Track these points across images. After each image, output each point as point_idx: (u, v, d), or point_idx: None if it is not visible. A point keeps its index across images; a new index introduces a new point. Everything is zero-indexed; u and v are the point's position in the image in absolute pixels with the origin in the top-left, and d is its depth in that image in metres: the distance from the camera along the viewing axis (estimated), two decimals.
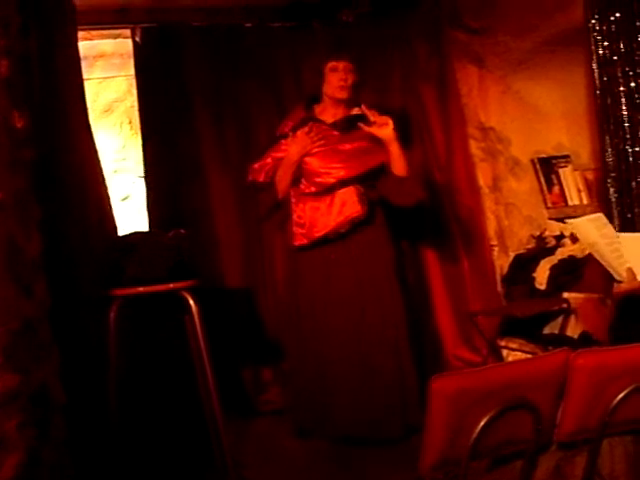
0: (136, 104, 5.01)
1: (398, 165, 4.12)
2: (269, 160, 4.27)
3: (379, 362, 4.04)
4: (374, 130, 4.11)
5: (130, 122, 5.47)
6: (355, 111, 4.24)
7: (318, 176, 4.12)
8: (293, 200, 4.20)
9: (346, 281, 4.08)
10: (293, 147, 4.15)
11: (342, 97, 4.19)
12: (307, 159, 4.15)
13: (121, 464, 3.37)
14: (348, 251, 4.10)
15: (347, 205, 4.07)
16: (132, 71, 4.97)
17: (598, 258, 2.26)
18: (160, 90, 4.95)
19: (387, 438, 3.92)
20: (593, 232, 2.37)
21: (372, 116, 4.11)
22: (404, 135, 5.25)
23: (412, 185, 4.15)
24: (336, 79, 4.16)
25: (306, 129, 4.18)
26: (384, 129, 4.10)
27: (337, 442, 4.03)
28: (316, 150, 4.14)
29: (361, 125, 4.15)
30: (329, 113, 4.25)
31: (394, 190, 4.12)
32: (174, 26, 5.01)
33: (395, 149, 4.11)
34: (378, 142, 4.15)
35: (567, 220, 3.01)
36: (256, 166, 4.30)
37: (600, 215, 2.49)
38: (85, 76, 3.94)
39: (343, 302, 4.07)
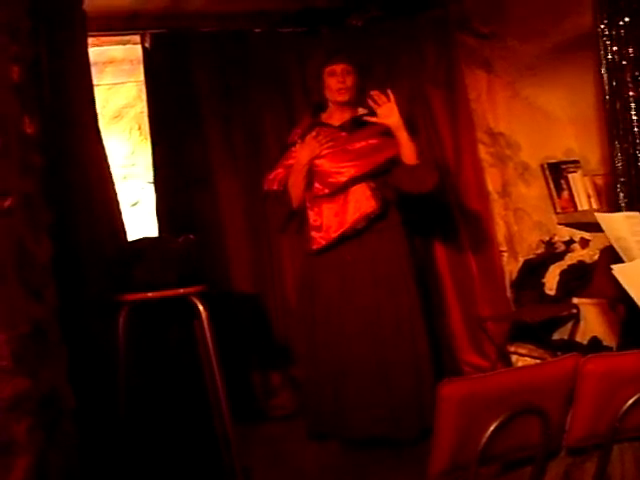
0: (145, 110, 5.02)
1: (408, 153, 4.11)
2: (281, 169, 4.29)
3: (395, 363, 4.04)
4: (380, 119, 4.10)
5: (139, 128, 5.49)
6: (361, 111, 4.25)
7: (330, 177, 4.13)
8: (308, 205, 4.21)
9: (362, 282, 4.09)
10: (302, 152, 4.16)
11: (343, 100, 4.20)
12: (318, 162, 4.16)
13: (130, 468, 3.37)
14: (364, 252, 4.10)
15: (361, 202, 4.08)
16: (142, 77, 4.99)
17: (621, 254, 2.24)
18: (169, 96, 4.97)
19: (403, 439, 3.92)
20: (624, 228, 2.35)
21: (376, 105, 4.10)
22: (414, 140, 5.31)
23: (424, 172, 4.13)
24: (334, 82, 4.17)
25: (313, 133, 4.19)
26: (390, 117, 4.09)
27: (352, 445, 4.02)
28: (326, 152, 4.15)
29: (367, 118, 4.15)
30: (336, 117, 4.26)
31: (406, 179, 4.11)
32: (183, 32, 5.03)
33: (403, 136, 4.10)
34: (387, 136, 4.15)
35: (597, 214, 2.98)
36: (270, 176, 4.32)
37: (637, 214, 2.47)
38: (95, 82, 3.95)
39: (359, 303, 4.08)
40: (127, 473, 3.35)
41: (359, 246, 4.12)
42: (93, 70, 3.90)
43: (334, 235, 4.09)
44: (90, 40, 4.01)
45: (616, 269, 2.09)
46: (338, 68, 4.17)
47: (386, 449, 3.93)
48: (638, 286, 2.02)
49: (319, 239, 4.13)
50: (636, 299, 1.99)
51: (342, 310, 4.09)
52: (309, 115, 4.39)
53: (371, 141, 4.18)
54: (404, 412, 3.98)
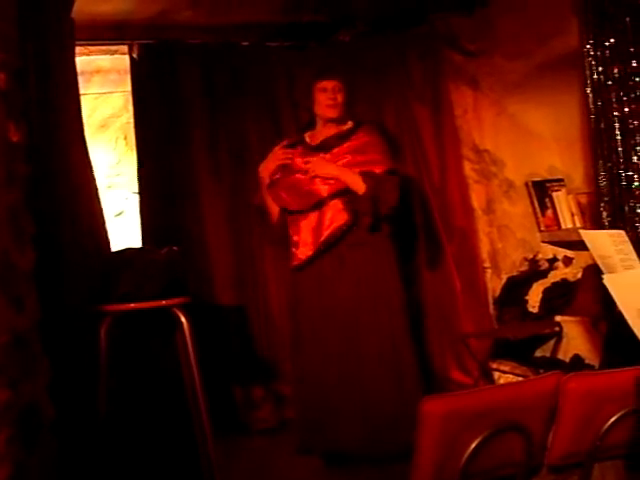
0: (132, 120, 5.01)
1: (355, 188, 4.09)
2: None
3: (377, 380, 4.02)
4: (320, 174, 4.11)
5: (125, 138, 5.47)
6: (343, 127, 4.23)
7: (305, 196, 4.14)
8: (289, 221, 4.21)
9: (343, 298, 4.07)
10: (265, 164, 4.17)
11: (333, 116, 4.19)
12: (292, 180, 4.16)
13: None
14: (346, 267, 4.09)
15: (334, 216, 4.09)
16: (129, 87, 4.99)
17: (605, 272, 2.25)
18: (156, 107, 4.97)
19: (385, 456, 3.90)
20: (609, 246, 2.36)
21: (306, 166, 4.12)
22: (399, 153, 5.33)
23: (375, 200, 4.09)
24: (325, 98, 4.16)
25: (284, 142, 4.21)
26: (323, 169, 4.11)
27: (335, 460, 4.01)
28: (301, 170, 4.15)
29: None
30: (320, 134, 4.25)
31: (363, 204, 4.12)
32: (171, 43, 5.03)
33: (344, 178, 4.09)
34: (363, 153, 4.15)
35: (581, 230, 2.99)
36: (259, 191, 4.32)
37: (622, 232, 2.48)
38: (82, 91, 3.94)
39: (340, 319, 4.06)
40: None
41: (341, 261, 4.11)
42: (80, 79, 3.89)
43: (310, 253, 4.09)
44: (78, 49, 4.02)
45: (607, 278, 2.09)
46: (329, 84, 4.17)
47: (368, 465, 3.91)
48: (627, 297, 2.02)
49: (298, 255, 4.13)
50: (623, 310, 1.99)
51: (324, 326, 4.07)
52: (295, 132, 4.39)
53: (345, 158, 4.17)
54: (386, 429, 3.97)
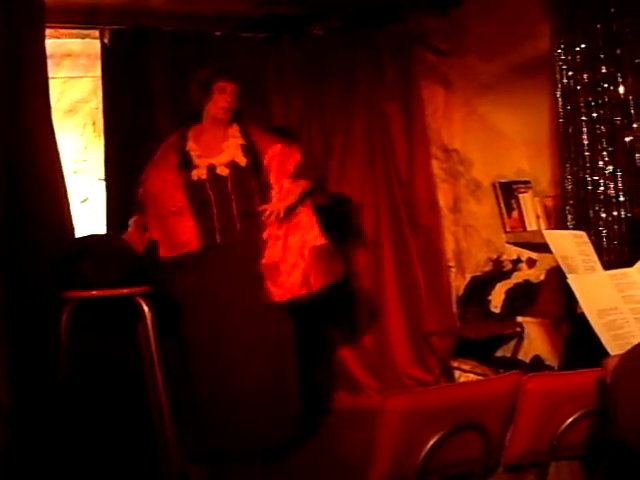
0: (101, 106, 4.96)
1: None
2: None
3: (260, 378, 4.00)
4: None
5: (94, 124, 5.41)
6: (232, 132, 4.16)
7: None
8: None
9: (217, 304, 4.02)
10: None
11: (225, 118, 4.14)
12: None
13: (65, 468, 3.32)
14: (224, 270, 4.04)
15: None
16: (99, 72, 4.93)
17: (567, 273, 2.26)
18: (126, 93, 4.91)
19: (272, 452, 3.91)
20: (572, 246, 2.37)
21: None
22: (368, 151, 5.34)
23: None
24: (222, 100, 4.10)
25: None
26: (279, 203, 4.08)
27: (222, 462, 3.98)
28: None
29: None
30: (207, 134, 4.18)
31: None
32: (143, 30, 4.98)
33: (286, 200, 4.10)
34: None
35: (544, 231, 3.01)
36: None
37: (583, 233, 2.50)
38: (50, 74, 3.89)
39: (219, 325, 4.01)
40: (62, 472, 3.30)
41: (214, 266, 4.06)
42: (49, 62, 3.84)
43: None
44: (48, 31, 3.95)
45: (571, 278, 2.11)
46: (229, 87, 4.12)
47: (255, 464, 3.91)
48: (590, 298, 2.04)
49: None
50: (585, 310, 2.01)
51: (208, 330, 4.03)
52: (177, 135, 4.24)
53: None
54: (271, 425, 3.96)
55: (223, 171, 4.09)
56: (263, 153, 4.15)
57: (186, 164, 4.10)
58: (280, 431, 3.97)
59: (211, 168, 4.09)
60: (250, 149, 4.14)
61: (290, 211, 4.06)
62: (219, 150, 4.13)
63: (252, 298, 4.01)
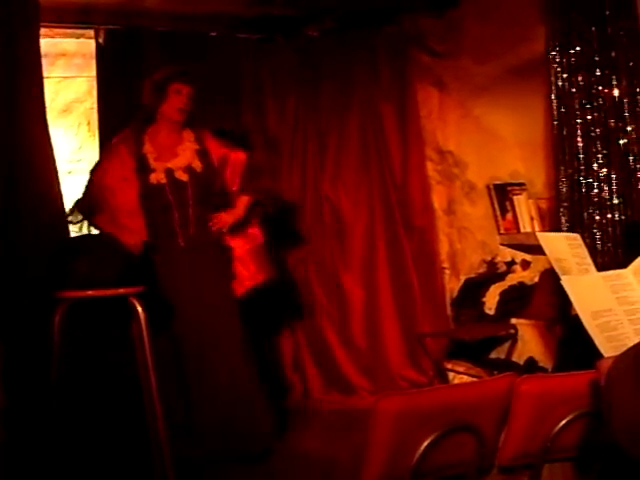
0: (95, 106, 4.96)
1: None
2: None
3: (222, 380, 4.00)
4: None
5: (88, 124, 5.41)
6: (187, 136, 4.15)
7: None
8: None
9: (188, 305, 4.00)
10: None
11: (179, 119, 4.13)
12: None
13: (58, 470, 3.31)
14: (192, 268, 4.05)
15: None
16: (94, 72, 4.93)
17: (561, 275, 2.27)
18: (120, 93, 4.91)
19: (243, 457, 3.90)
20: (566, 249, 2.38)
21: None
22: (363, 152, 5.34)
23: None
24: (178, 101, 4.08)
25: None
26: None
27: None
28: None
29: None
30: (163, 136, 4.15)
31: None
32: (138, 30, 4.98)
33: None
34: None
35: (538, 233, 3.02)
36: None
37: (577, 236, 2.51)
38: (45, 74, 3.88)
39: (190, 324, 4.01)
40: (56, 472, 3.29)
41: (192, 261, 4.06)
42: (44, 62, 3.84)
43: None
44: (42, 31, 3.95)
45: (565, 279, 2.11)
46: (184, 89, 4.11)
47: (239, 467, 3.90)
48: (584, 299, 2.04)
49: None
50: (579, 311, 2.01)
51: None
52: (131, 132, 4.16)
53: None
54: (241, 426, 3.97)
55: (182, 176, 4.08)
56: (215, 159, 4.17)
57: (143, 167, 4.07)
58: (252, 432, 3.99)
59: (169, 172, 4.08)
60: (204, 154, 4.15)
61: (236, 226, 4.12)
62: (174, 154, 4.12)
63: (220, 297, 4.05)
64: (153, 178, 4.05)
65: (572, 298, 2.05)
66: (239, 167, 4.22)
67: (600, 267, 2.42)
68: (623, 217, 4.34)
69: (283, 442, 4.17)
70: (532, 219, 5.39)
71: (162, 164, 4.08)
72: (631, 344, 1.85)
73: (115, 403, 3.89)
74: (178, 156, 4.11)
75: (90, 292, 3.44)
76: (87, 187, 4.11)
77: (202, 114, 5.03)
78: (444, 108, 5.53)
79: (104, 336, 3.94)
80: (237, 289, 4.12)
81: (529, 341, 4.80)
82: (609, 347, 1.94)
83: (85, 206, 4.05)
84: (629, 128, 4.29)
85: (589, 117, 4.37)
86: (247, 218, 4.21)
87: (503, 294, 5.10)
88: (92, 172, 4.15)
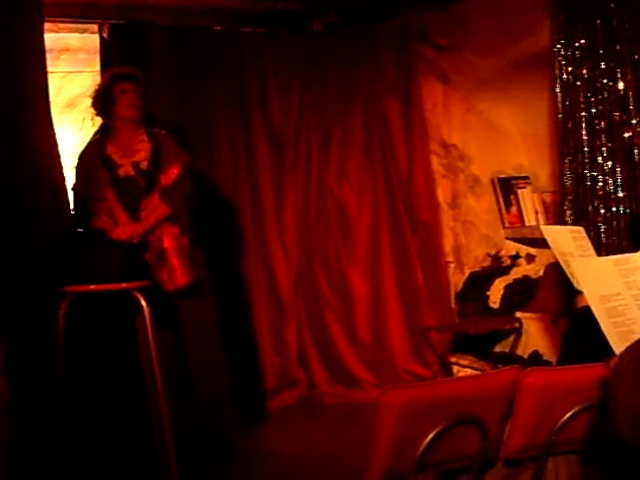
0: None
1: None
2: None
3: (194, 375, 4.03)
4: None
5: (92, 118, 5.40)
6: (141, 137, 4.14)
7: None
8: None
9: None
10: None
11: (135, 116, 4.11)
12: None
13: (63, 464, 3.32)
14: None
15: None
16: (98, 67, 4.92)
17: (565, 268, 2.27)
18: None
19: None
20: (569, 242, 2.38)
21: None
22: (367, 146, 5.33)
23: None
24: (127, 99, 4.09)
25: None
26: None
27: None
28: None
29: None
30: (122, 135, 4.13)
31: None
32: (142, 24, 4.97)
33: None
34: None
35: (542, 226, 3.03)
36: None
37: (581, 229, 2.51)
38: (49, 69, 3.88)
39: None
40: (61, 469, 3.30)
41: None
42: (48, 57, 3.84)
43: None
44: (46, 26, 3.95)
45: (576, 263, 2.11)
46: (128, 87, 4.11)
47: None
48: (592, 283, 2.04)
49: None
50: (587, 295, 2.01)
51: None
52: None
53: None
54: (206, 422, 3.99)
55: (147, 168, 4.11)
56: (165, 159, 4.15)
57: (110, 166, 4.06)
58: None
59: (136, 164, 4.08)
60: (156, 154, 4.13)
61: (147, 234, 4.02)
62: (135, 151, 4.13)
63: None
64: (122, 172, 4.07)
65: (581, 281, 2.05)
66: (173, 171, 4.12)
67: None
68: (628, 210, 4.33)
69: (288, 435, 4.17)
70: (537, 212, 5.40)
71: (127, 160, 4.10)
72: (637, 328, 1.85)
73: (119, 396, 3.90)
74: (138, 152, 4.13)
75: (93, 286, 3.45)
76: (74, 201, 4.13)
77: (207, 109, 5.08)
78: (448, 102, 5.52)
79: (108, 329, 3.95)
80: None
81: (533, 335, 4.80)
82: (615, 333, 1.94)
83: (80, 217, 4.09)
84: (634, 121, 4.28)
85: (594, 110, 4.37)
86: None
87: (508, 288, 5.10)
88: (72, 188, 4.15)
